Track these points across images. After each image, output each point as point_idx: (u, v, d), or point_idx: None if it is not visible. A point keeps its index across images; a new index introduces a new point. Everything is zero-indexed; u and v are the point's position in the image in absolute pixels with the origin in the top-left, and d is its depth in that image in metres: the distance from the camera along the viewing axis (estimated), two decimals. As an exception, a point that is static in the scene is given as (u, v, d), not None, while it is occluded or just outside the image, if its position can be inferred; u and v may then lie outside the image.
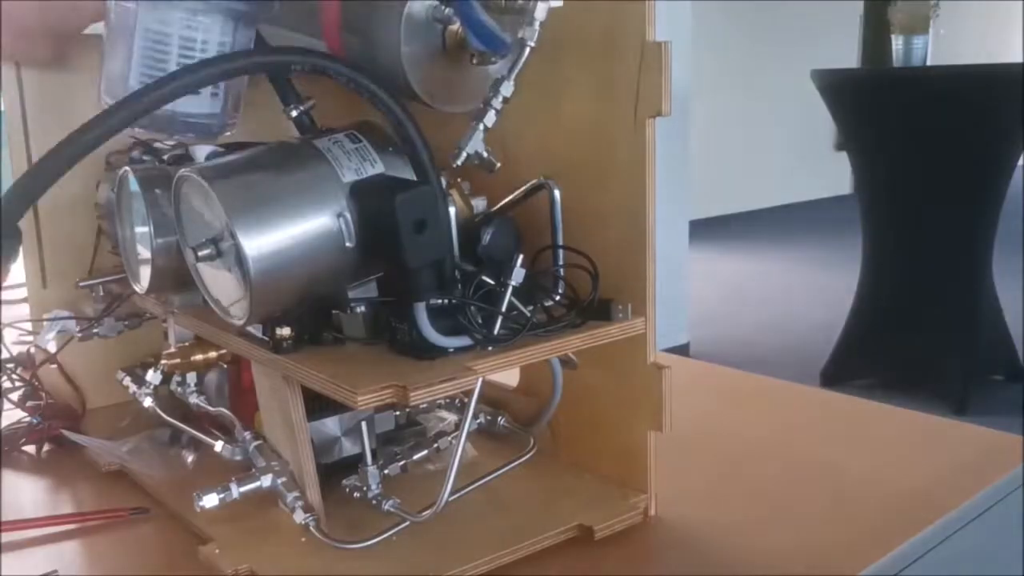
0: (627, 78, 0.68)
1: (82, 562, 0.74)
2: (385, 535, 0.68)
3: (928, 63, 3.48)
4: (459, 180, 0.73)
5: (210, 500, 0.68)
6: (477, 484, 0.74)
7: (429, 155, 0.65)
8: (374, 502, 0.71)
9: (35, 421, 0.91)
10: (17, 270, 1.00)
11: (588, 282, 0.70)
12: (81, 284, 0.89)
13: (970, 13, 8.66)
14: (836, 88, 3.49)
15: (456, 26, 0.66)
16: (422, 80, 0.68)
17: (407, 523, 0.69)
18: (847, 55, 8.07)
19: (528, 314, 0.66)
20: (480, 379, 0.62)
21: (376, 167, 0.65)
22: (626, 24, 0.68)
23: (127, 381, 0.91)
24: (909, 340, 3.33)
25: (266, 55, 0.65)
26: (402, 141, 0.65)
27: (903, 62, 3.45)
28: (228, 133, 0.73)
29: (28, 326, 0.96)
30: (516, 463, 0.78)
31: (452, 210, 0.68)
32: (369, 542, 0.68)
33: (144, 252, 0.76)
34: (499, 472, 0.76)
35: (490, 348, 0.64)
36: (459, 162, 0.66)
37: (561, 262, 0.73)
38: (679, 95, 0.66)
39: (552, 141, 0.76)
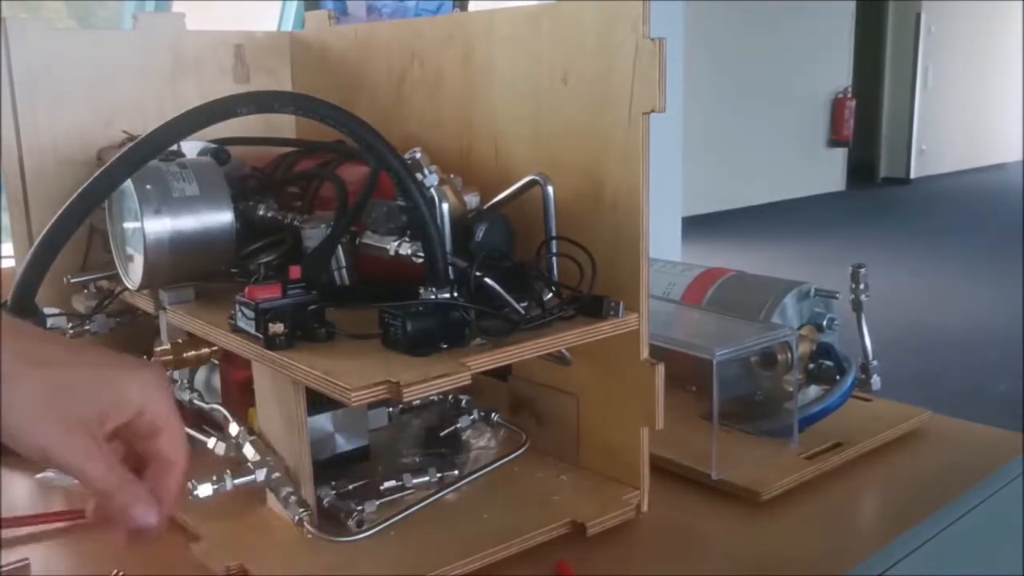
0: (622, 74, 0.68)
1: (72, 560, 0.73)
2: (377, 528, 0.68)
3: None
4: (451, 176, 0.73)
5: (204, 490, 0.68)
6: (470, 479, 0.74)
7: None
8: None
9: (26, 418, 0.90)
10: (8, 265, 1.00)
11: (584, 277, 0.70)
12: (72, 280, 0.88)
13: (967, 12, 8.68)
14: None
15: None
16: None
17: (399, 517, 0.69)
18: (839, 53, 8.08)
19: (521, 311, 0.66)
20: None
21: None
22: (622, 21, 0.68)
23: (119, 378, 0.90)
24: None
25: (252, 100, 0.68)
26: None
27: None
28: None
29: (19, 322, 0.95)
30: (509, 459, 0.78)
31: (445, 206, 0.68)
32: (361, 535, 0.68)
33: (135, 248, 0.76)
34: (492, 468, 0.77)
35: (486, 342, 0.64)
36: None
37: (555, 258, 0.73)
38: (671, 91, 0.66)
39: (546, 137, 0.76)
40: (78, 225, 0.62)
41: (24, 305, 0.60)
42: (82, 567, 0.72)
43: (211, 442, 0.75)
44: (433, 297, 0.63)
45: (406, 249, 0.67)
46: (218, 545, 0.69)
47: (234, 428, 0.74)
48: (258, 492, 0.72)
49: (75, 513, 0.77)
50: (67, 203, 0.62)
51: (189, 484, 0.68)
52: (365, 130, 0.65)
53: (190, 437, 0.81)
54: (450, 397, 0.86)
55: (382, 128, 0.67)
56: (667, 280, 0.98)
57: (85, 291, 0.90)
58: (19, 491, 0.84)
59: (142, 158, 0.63)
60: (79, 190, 0.62)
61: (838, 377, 0.88)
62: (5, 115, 0.91)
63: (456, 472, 0.75)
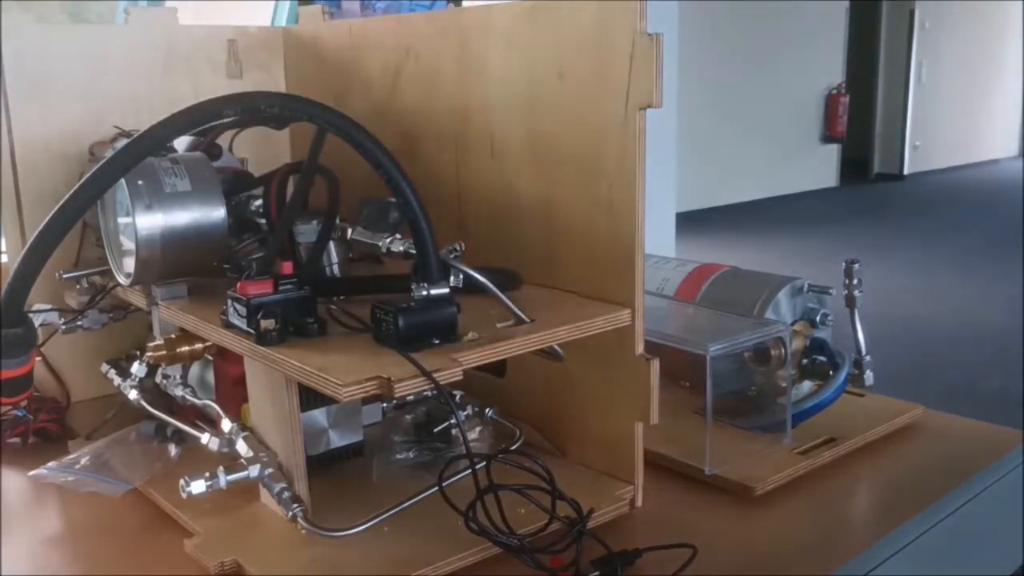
0: (619, 70, 0.68)
1: (65, 556, 0.73)
2: (370, 523, 0.68)
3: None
4: None
5: (198, 486, 0.68)
6: (464, 475, 0.74)
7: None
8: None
9: (20, 414, 0.90)
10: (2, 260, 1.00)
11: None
12: (65, 276, 0.88)
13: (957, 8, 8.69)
14: None
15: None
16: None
17: (392, 512, 0.69)
18: (833, 49, 8.09)
19: (523, 316, 0.66)
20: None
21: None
22: (619, 16, 0.68)
23: (112, 374, 0.90)
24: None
25: (239, 101, 0.67)
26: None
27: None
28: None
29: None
30: (503, 454, 0.78)
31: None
32: (356, 529, 0.68)
33: (128, 243, 0.76)
34: (485, 463, 0.76)
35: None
36: None
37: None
38: (666, 87, 0.66)
39: (542, 132, 0.76)
40: (64, 234, 0.60)
41: (15, 304, 0.59)
42: (80, 566, 0.72)
43: (205, 438, 0.75)
44: (425, 293, 0.63)
45: (398, 246, 0.67)
46: (212, 541, 0.69)
47: (227, 424, 0.74)
48: (252, 488, 0.72)
49: None
50: (53, 211, 0.60)
51: (182, 481, 0.68)
52: (354, 128, 0.65)
53: (183, 433, 0.81)
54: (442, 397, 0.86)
55: (376, 123, 0.67)
56: (661, 276, 0.98)
57: (77, 287, 0.90)
58: (13, 488, 0.84)
59: (123, 171, 0.62)
60: (63, 200, 0.60)
61: (831, 372, 0.88)
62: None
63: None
